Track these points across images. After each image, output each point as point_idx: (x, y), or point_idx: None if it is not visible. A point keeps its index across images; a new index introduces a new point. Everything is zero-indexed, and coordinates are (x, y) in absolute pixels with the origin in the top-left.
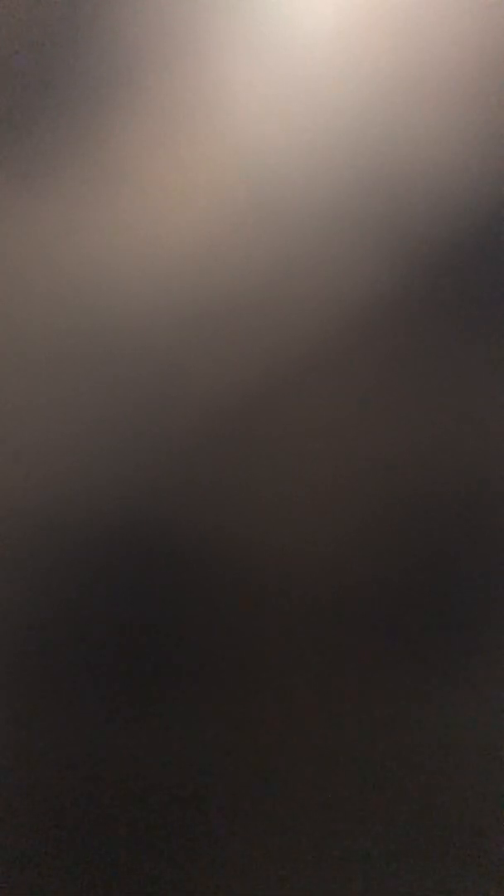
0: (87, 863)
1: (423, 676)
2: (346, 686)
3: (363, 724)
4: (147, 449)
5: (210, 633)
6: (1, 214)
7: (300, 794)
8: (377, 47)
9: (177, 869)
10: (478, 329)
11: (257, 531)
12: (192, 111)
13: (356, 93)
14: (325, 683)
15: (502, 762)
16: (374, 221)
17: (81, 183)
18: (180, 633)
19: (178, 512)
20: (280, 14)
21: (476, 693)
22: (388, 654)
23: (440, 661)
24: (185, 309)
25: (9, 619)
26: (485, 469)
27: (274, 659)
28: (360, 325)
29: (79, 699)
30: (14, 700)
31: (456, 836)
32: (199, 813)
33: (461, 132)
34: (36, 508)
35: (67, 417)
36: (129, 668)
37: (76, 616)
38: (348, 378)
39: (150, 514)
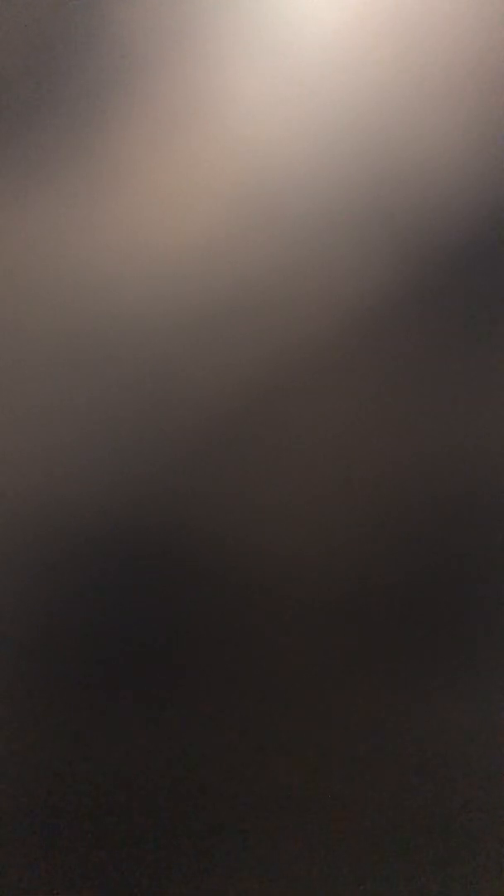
0: (87, 863)
1: (425, 679)
2: (348, 688)
3: (364, 726)
4: (147, 453)
5: (211, 636)
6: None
7: (300, 796)
8: (377, 48)
9: (177, 870)
10: (480, 332)
11: (258, 535)
12: (192, 113)
13: (357, 94)
14: (326, 685)
15: (503, 763)
16: (375, 224)
17: (80, 185)
18: (181, 636)
19: (179, 516)
20: (280, 16)
21: (478, 695)
22: (389, 657)
23: (441, 664)
24: (186, 312)
25: (10, 621)
26: (487, 473)
27: (275, 662)
28: (362, 329)
29: (80, 702)
30: (16, 704)
31: (456, 837)
32: (199, 813)
33: (461, 132)
34: (36, 512)
35: (67, 421)
36: (131, 670)
37: (77, 618)
38: (350, 381)
39: (149, 519)
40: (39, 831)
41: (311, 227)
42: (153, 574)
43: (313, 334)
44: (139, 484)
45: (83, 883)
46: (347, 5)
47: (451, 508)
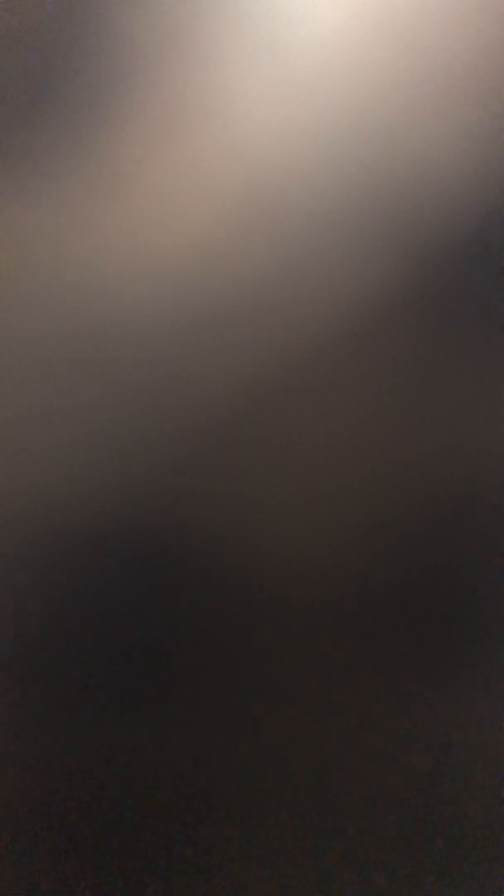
0: (86, 864)
1: (425, 678)
2: (348, 687)
3: (364, 725)
4: (147, 453)
5: (211, 636)
6: (0, 217)
7: (300, 795)
8: (377, 49)
9: (177, 870)
10: (480, 332)
11: (258, 535)
12: (192, 113)
13: (357, 94)
14: (326, 685)
15: (502, 764)
16: (375, 224)
17: (81, 186)
18: (181, 636)
19: (179, 516)
20: (280, 17)
21: (478, 695)
22: (389, 657)
23: (441, 664)
24: (186, 312)
25: (10, 621)
26: (487, 473)
27: (275, 661)
28: (362, 329)
29: (80, 701)
30: (15, 703)
31: (456, 836)
32: (199, 812)
33: (461, 132)
34: (36, 512)
35: (67, 421)
36: (131, 669)
37: (75, 619)
38: (350, 381)
39: (149, 519)
40: (38, 831)
41: (311, 227)
42: (153, 574)
43: (313, 334)
44: (139, 484)
45: (82, 884)
46: (347, 5)
47: (451, 508)
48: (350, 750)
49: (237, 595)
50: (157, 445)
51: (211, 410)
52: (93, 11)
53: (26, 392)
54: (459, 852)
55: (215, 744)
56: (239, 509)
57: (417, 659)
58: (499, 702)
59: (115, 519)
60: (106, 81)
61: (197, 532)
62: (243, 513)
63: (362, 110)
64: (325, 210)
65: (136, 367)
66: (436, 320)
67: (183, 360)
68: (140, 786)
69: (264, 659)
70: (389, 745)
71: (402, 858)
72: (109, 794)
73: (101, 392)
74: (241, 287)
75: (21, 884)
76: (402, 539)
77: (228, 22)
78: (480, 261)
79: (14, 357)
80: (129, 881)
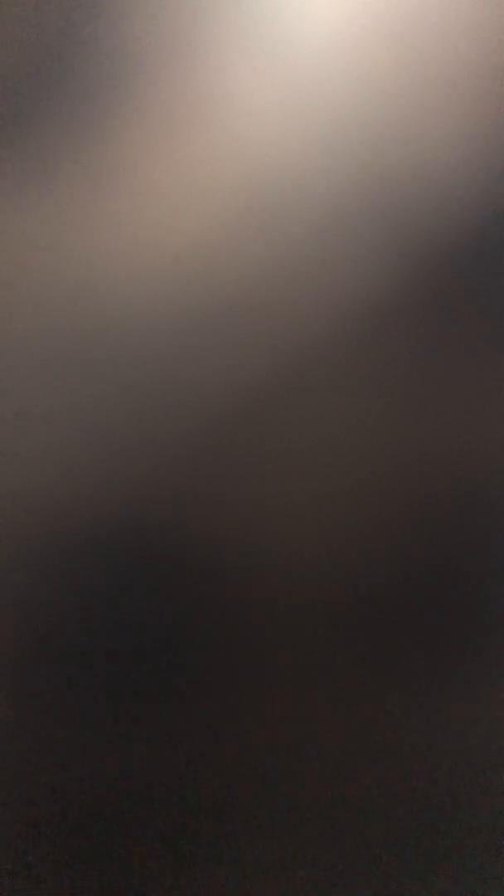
0: (86, 865)
1: (425, 678)
2: (347, 687)
3: (364, 725)
4: (147, 453)
5: (211, 636)
6: (0, 217)
7: (300, 797)
8: (377, 48)
9: (176, 871)
10: (480, 332)
11: (258, 535)
12: (192, 113)
13: (357, 94)
14: (325, 685)
15: (502, 764)
16: (375, 224)
17: (81, 185)
18: (181, 636)
19: (179, 516)
20: (280, 16)
21: (478, 695)
22: (389, 656)
23: (441, 664)
24: (186, 312)
25: (10, 621)
26: (487, 473)
27: (275, 661)
28: (362, 329)
29: (79, 701)
30: (15, 703)
31: (456, 837)
32: (198, 813)
33: (461, 132)
34: (36, 512)
35: (67, 421)
36: (130, 669)
37: (76, 618)
38: (350, 381)
39: (149, 519)
40: (38, 831)
41: (311, 227)
42: (153, 574)
43: (313, 334)
44: (139, 484)
45: (83, 884)
46: (347, 6)
47: (451, 508)
48: (350, 749)
49: (237, 595)
50: (157, 445)
51: (211, 410)
52: (92, 11)
53: (26, 392)
54: (459, 852)
55: (215, 743)
56: (239, 509)
57: (417, 659)
58: (499, 702)
59: (114, 519)
60: (105, 81)
61: (197, 532)
62: (243, 513)
63: (362, 110)
64: (325, 210)
65: (136, 368)
66: (436, 320)
67: (183, 360)
68: (140, 786)
69: (264, 658)
70: (389, 744)
71: (403, 859)
72: (109, 793)
73: (101, 392)
74: (241, 287)
75: (21, 884)
76: (402, 539)
77: (228, 22)
78: (480, 261)
79: (14, 357)
80: (129, 881)
